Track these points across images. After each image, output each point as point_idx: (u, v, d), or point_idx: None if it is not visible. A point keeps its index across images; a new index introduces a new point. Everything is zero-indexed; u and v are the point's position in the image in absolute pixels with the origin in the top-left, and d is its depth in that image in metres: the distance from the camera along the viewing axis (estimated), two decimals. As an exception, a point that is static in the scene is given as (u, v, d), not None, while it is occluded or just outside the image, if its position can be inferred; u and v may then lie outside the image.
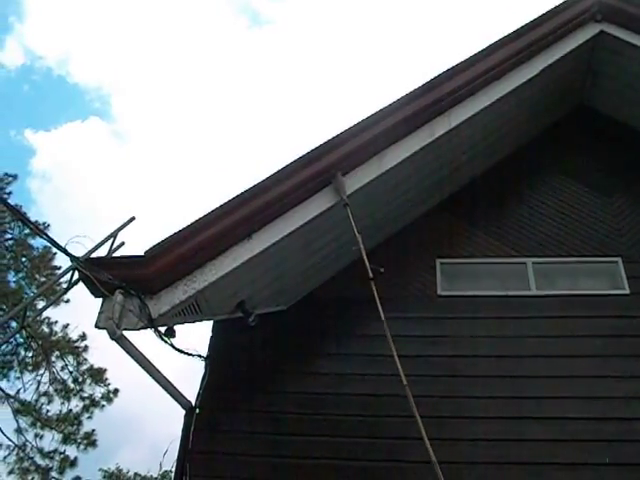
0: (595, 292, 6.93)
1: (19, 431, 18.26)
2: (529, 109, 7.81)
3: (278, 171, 6.11)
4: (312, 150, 6.26)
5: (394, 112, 6.54)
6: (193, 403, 6.29)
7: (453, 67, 6.88)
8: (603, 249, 7.22)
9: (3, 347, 18.52)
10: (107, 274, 5.41)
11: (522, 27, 7.26)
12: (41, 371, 19.18)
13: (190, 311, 5.81)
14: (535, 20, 7.33)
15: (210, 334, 6.79)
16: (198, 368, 6.50)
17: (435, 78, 6.80)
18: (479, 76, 6.89)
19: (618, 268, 7.04)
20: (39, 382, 19.02)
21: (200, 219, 5.83)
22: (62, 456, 18.74)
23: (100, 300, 5.49)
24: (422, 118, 6.62)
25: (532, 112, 7.92)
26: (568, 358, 6.39)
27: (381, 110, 6.52)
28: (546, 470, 5.74)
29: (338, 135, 6.34)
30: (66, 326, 20.08)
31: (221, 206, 5.90)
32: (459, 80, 6.83)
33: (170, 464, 6.35)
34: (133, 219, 6.59)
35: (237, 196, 5.97)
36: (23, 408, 18.56)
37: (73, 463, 18.76)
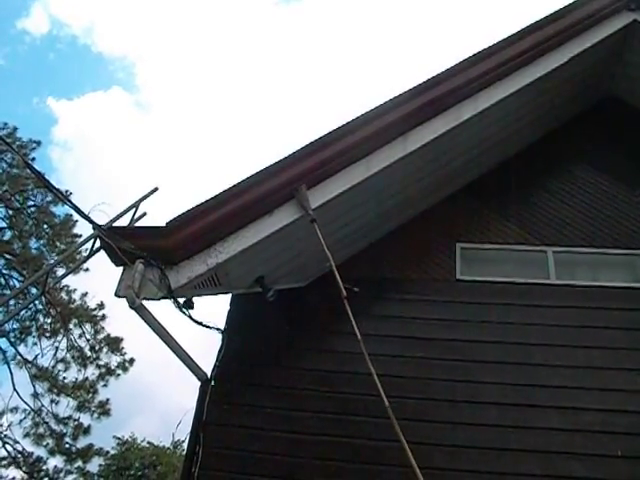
0: (615, 284, 6.89)
1: (35, 396, 18.56)
2: (556, 97, 7.74)
3: (304, 147, 6.10)
4: (339, 127, 6.21)
5: (420, 94, 6.50)
6: (209, 375, 6.36)
7: (480, 52, 6.81)
8: (625, 242, 7.18)
9: (22, 313, 18.76)
10: (128, 243, 5.45)
11: (553, 14, 7.17)
12: (59, 338, 19.46)
13: (209, 283, 5.85)
14: (567, 7, 7.23)
15: (228, 307, 6.84)
16: (215, 341, 6.57)
17: (461, 62, 6.72)
18: (505, 62, 6.82)
19: (638, 261, 6.99)
20: (57, 349, 19.31)
21: (222, 192, 5.83)
22: (76, 423, 19.02)
23: (120, 269, 5.53)
24: (449, 101, 6.58)
25: (559, 100, 7.85)
26: (585, 349, 6.37)
27: (407, 91, 6.47)
28: (558, 459, 5.76)
29: (363, 114, 6.31)
30: (85, 294, 20.33)
31: (243, 180, 5.90)
32: (485, 65, 6.77)
33: (182, 435, 6.42)
34: (156, 190, 6.64)
35: (260, 171, 5.95)
36: (40, 374, 18.84)
37: (87, 430, 19.06)
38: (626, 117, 8.20)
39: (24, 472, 18.17)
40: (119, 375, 20.04)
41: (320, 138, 6.17)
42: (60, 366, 19.40)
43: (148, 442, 24.68)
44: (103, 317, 20.24)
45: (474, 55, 6.79)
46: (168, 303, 5.62)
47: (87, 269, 19.69)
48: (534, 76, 6.97)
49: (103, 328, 20.23)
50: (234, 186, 5.86)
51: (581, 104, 8.27)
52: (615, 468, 5.65)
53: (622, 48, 7.78)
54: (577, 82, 7.82)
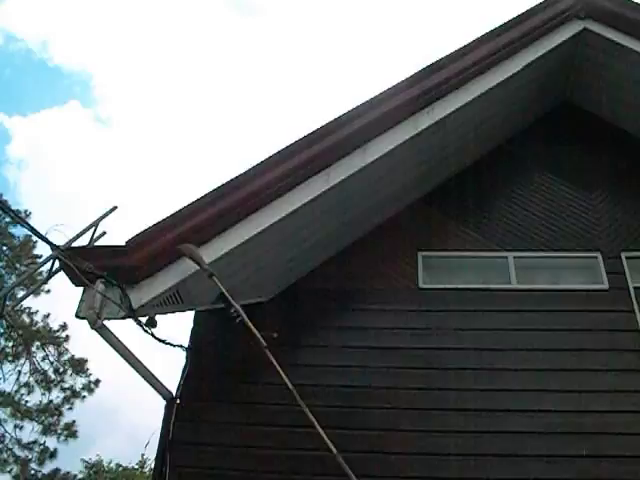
0: (575, 287, 7.02)
1: (-2, 422, 18.18)
2: (512, 105, 7.86)
3: (262, 161, 6.10)
4: (298, 140, 6.26)
5: (378, 105, 6.55)
6: (174, 394, 6.29)
7: (436, 62, 6.91)
8: (583, 244, 7.29)
9: (-18, 337, 18.41)
10: (88, 263, 5.37)
11: (506, 23, 7.30)
12: (21, 361, 19.10)
13: (172, 301, 5.80)
14: (519, 16, 7.36)
15: (192, 325, 6.78)
16: (179, 359, 6.50)
17: (419, 72, 6.82)
18: (464, 70, 6.91)
19: (598, 263, 7.11)
20: (19, 372, 18.95)
21: (181, 210, 5.80)
22: (42, 447, 18.68)
23: (81, 290, 5.46)
24: (406, 111, 6.63)
25: (515, 108, 7.97)
26: (547, 352, 6.46)
27: (366, 102, 6.53)
28: (525, 462, 5.83)
29: (323, 126, 6.34)
30: (47, 316, 20.04)
31: (202, 197, 5.88)
32: (444, 74, 6.85)
33: (152, 455, 6.33)
34: (115, 208, 6.55)
35: (217, 188, 5.94)
36: (2, 399, 18.46)
37: (53, 454, 18.71)
38: (581, 122, 8.35)
39: (-12, 501, 17.78)
40: (85, 397, 19.77)
41: (286, 148, 6.21)
42: (23, 390, 19.05)
43: (117, 464, 24.30)
44: (66, 338, 19.97)
45: (429, 66, 6.87)
46: (131, 322, 5.56)
47: (48, 291, 19.46)
48: (489, 85, 7.06)
49: (67, 350, 19.97)
50: (191, 203, 5.83)
51: (537, 111, 8.40)
52: (582, 467, 5.74)
53: (574, 55, 7.93)
54: (532, 89, 7.94)
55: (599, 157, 8.01)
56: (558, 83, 8.34)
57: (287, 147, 6.21)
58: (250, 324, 5.45)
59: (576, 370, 6.34)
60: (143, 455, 24.07)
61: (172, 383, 6.32)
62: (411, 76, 6.78)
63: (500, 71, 7.14)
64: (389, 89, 6.64)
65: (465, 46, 7.06)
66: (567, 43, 7.59)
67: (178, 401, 6.25)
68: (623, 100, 8.00)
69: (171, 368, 6.67)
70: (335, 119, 6.40)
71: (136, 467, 24.16)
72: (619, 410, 6.04)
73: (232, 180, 6.01)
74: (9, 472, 18.19)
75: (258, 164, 6.09)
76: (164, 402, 6.31)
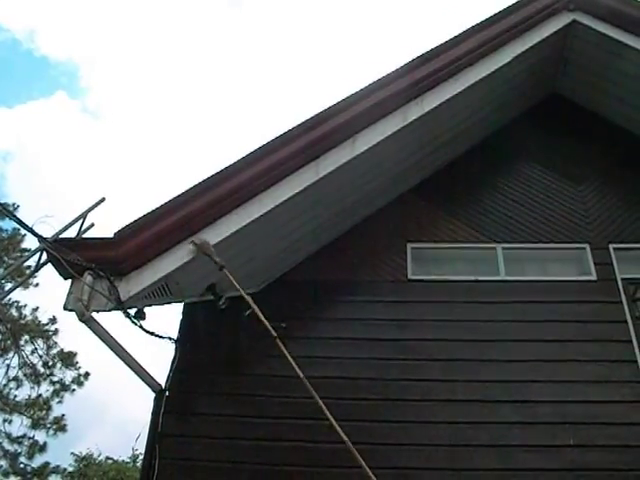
0: (563, 278, 7.04)
1: (-14, 417, 18.12)
2: (502, 96, 7.86)
3: (250, 153, 6.09)
4: (287, 131, 6.26)
5: (368, 96, 6.54)
6: (163, 386, 6.28)
7: (426, 53, 6.90)
8: (571, 236, 7.32)
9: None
10: (76, 255, 5.36)
11: (495, 15, 7.29)
12: (10, 355, 19.02)
13: (160, 293, 5.79)
14: (508, 8, 7.36)
15: (180, 316, 6.77)
16: (168, 351, 6.49)
17: (409, 63, 6.81)
18: (452, 62, 6.91)
19: (586, 255, 7.14)
20: (8, 366, 18.87)
21: (169, 201, 5.80)
22: (31, 441, 18.63)
23: (69, 282, 5.45)
24: (396, 102, 6.63)
25: (505, 100, 7.97)
26: (535, 342, 6.49)
27: (355, 93, 6.52)
28: (513, 452, 5.87)
29: (312, 117, 6.34)
30: (36, 309, 19.95)
31: (192, 188, 5.87)
32: (432, 65, 6.85)
33: (142, 448, 6.32)
34: (103, 200, 6.55)
35: (206, 179, 5.94)
36: (-10, 393, 18.40)
37: (42, 448, 18.69)
38: (569, 114, 8.36)
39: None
40: (74, 390, 19.74)
41: (275, 139, 6.20)
42: (12, 384, 18.98)
43: (107, 457, 24.24)
44: (55, 332, 19.90)
45: (419, 57, 6.87)
46: (120, 314, 5.55)
47: (37, 284, 19.38)
48: (479, 76, 7.06)
49: (56, 343, 19.90)
50: (180, 195, 5.82)
51: (526, 102, 8.40)
52: (569, 457, 5.79)
53: (563, 47, 7.93)
54: (522, 81, 7.94)
55: (588, 149, 8.03)
56: (548, 75, 8.35)
57: (276, 138, 6.21)
58: (261, 315, 5.47)
59: (564, 361, 6.37)
60: (134, 449, 24.01)
61: (161, 375, 6.32)
62: (401, 67, 6.77)
63: (489, 63, 7.14)
64: (378, 80, 6.63)
65: (455, 38, 7.05)
66: (556, 35, 7.59)
67: (167, 393, 6.23)
68: (613, 92, 8.02)
69: (160, 360, 6.67)
70: (324, 110, 6.40)
71: (127, 461, 24.09)
72: (607, 400, 6.08)
73: (222, 171, 5.99)
74: (-2, 466, 18.17)
75: (247, 155, 6.08)
76: (153, 395, 6.29)
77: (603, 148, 8.00)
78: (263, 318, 5.46)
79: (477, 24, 7.19)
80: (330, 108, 6.42)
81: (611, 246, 7.14)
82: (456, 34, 7.08)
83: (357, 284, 7.02)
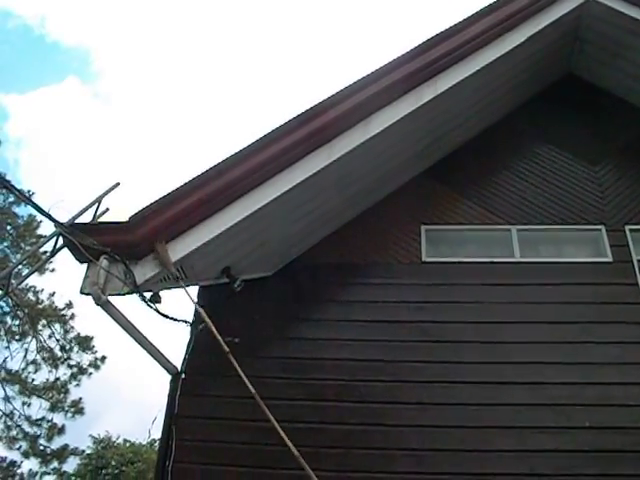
0: (578, 260, 7.01)
1: (6, 399, 18.34)
2: (515, 77, 7.79)
3: (263, 136, 6.08)
4: (301, 113, 6.22)
5: (381, 78, 6.50)
6: (179, 368, 6.33)
7: (440, 34, 6.83)
8: (587, 217, 7.28)
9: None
10: (92, 240, 5.40)
11: (510, -6, 7.21)
12: (28, 339, 19.21)
13: (175, 276, 5.82)
14: (523, -13, 7.27)
15: (196, 299, 6.79)
16: (184, 334, 6.53)
17: (422, 44, 6.76)
18: (466, 43, 6.85)
19: (601, 236, 7.10)
20: (26, 350, 19.07)
21: (184, 185, 5.80)
22: (50, 424, 18.85)
23: (85, 267, 5.49)
24: (409, 84, 6.59)
25: (519, 80, 7.90)
26: (550, 324, 6.48)
27: (368, 75, 6.47)
28: (527, 434, 5.87)
29: (326, 99, 6.31)
30: (52, 294, 20.10)
31: (204, 173, 5.87)
32: (446, 47, 6.79)
33: (159, 431, 6.39)
34: (118, 184, 6.56)
35: (221, 161, 5.94)
36: (10, 377, 18.59)
37: (61, 430, 18.90)
38: (584, 94, 8.29)
39: (-1, 477, 17.99)
40: (91, 374, 19.93)
41: (288, 121, 6.17)
42: (30, 368, 19.19)
43: (124, 439, 24.51)
44: (72, 316, 20.07)
45: (432, 37, 6.81)
46: (135, 298, 5.59)
47: (53, 269, 19.53)
48: (493, 57, 7.00)
49: (73, 327, 20.08)
50: (194, 179, 5.83)
51: (541, 83, 8.33)
52: (584, 439, 5.78)
53: (578, 26, 7.83)
54: (536, 61, 7.86)
55: (604, 130, 7.97)
56: (563, 55, 8.26)
57: (290, 121, 6.19)
58: (215, 330, 5.48)
59: (579, 342, 6.35)
60: (149, 431, 24.24)
61: (177, 358, 6.36)
62: (413, 49, 6.72)
63: (503, 44, 7.07)
64: (391, 62, 6.59)
65: (467, 19, 6.98)
66: (571, 14, 7.49)
67: (183, 376, 6.28)
68: (629, 72, 7.92)
69: (176, 344, 6.71)
70: (337, 92, 6.36)
71: (144, 444, 24.34)
72: (622, 382, 6.06)
73: (236, 154, 5.99)
74: (18, 449, 18.39)
75: (261, 138, 6.07)
76: (169, 377, 6.35)
77: (619, 128, 7.94)
78: (216, 333, 5.46)
79: (490, 4, 7.12)
80: (342, 90, 6.38)
81: (627, 227, 7.10)
82: (470, 14, 7.01)
83: (371, 266, 7.02)
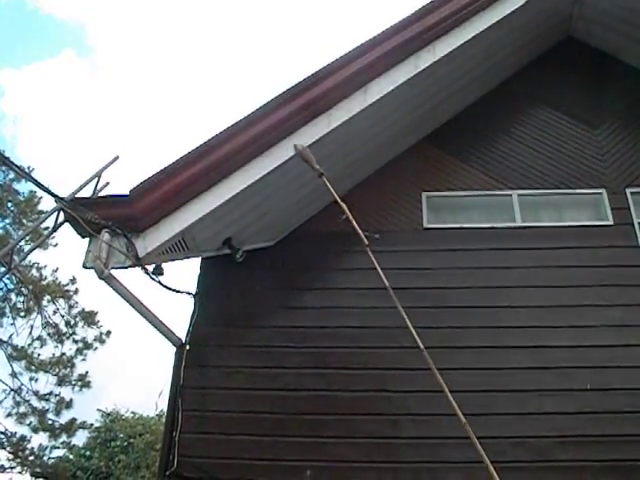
0: (579, 223, 7.01)
1: (14, 375, 18.44)
2: (515, 41, 7.72)
3: (262, 106, 6.06)
4: (299, 82, 6.19)
5: (379, 44, 6.45)
6: (183, 340, 6.37)
7: (437, -1, 6.77)
8: (588, 181, 7.26)
9: (-6, 294, 18.58)
10: (93, 214, 5.42)
11: (508, -44, 7.11)
12: (33, 316, 19.29)
13: (177, 248, 5.85)
14: (521, -52, 7.17)
15: (198, 271, 6.83)
16: (187, 306, 6.57)
17: (419, 10, 6.69)
18: (464, 7, 6.78)
19: (602, 199, 7.10)
20: (31, 327, 19.14)
21: (182, 157, 5.80)
22: (58, 398, 18.99)
23: (87, 241, 5.51)
24: (406, 50, 6.53)
25: (518, 44, 7.83)
26: (552, 288, 6.50)
27: (365, 43, 6.43)
28: (530, 397, 5.92)
29: (323, 68, 6.27)
30: (56, 270, 20.11)
31: (204, 144, 5.86)
32: (444, 11, 6.72)
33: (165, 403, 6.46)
34: (117, 158, 6.56)
35: (218, 133, 5.92)
36: (17, 353, 18.71)
37: (69, 404, 19.03)
38: (584, 57, 8.22)
39: (9, 452, 18.15)
40: (96, 348, 20.01)
41: (286, 91, 6.15)
42: (36, 344, 19.29)
43: (132, 412, 24.70)
44: (76, 291, 20.09)
45: (430, 3, 6.73)
46: (138, 271, 5.62)
47: (56, 244, 19.54)
48: (491, 21, 6.93)
49: (77, 302, 20.11)
50: (192, 150, 5.83)
51: (540, 46, 8.25)
52: (585, 401, 5.84)
53: (577, -12, 7.76)
54: (535, 25, 7.78)
55: (604, 93, 7.91)
56: (563, 18, 8.16)
57: (288, 90, 6.16)
58: (355, 224, 5.24)
59: (581, 306, 6.38)
60: (157, 404, 24.42)
61: (181, 330, 6.41)
62: (411, 15, 6.65)
63: (502, 7, 6.99)
64: (389, 28, 6.52)
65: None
66: (570, -24, 7.42)
67: (188, 347, 6.33)
68: (629, 34, 7.83)
69: (179, 316, 6.75)
70: (334, 60, 6.31)
71: (152, 416, 24.52)
72: (624, 344, 6.10)
73: (235, 123, 5.97)
74: (28, 425, 18.56)
75: (259, 108, 6.05)
76: (174, 349, 6.40)
77: (619, 91, 7.88)
78: (356, 225, 5.27)
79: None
80: (340, 58, 6.33)
81: (628, 190, 7.09)
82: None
83: (373, 233, 7.01)
